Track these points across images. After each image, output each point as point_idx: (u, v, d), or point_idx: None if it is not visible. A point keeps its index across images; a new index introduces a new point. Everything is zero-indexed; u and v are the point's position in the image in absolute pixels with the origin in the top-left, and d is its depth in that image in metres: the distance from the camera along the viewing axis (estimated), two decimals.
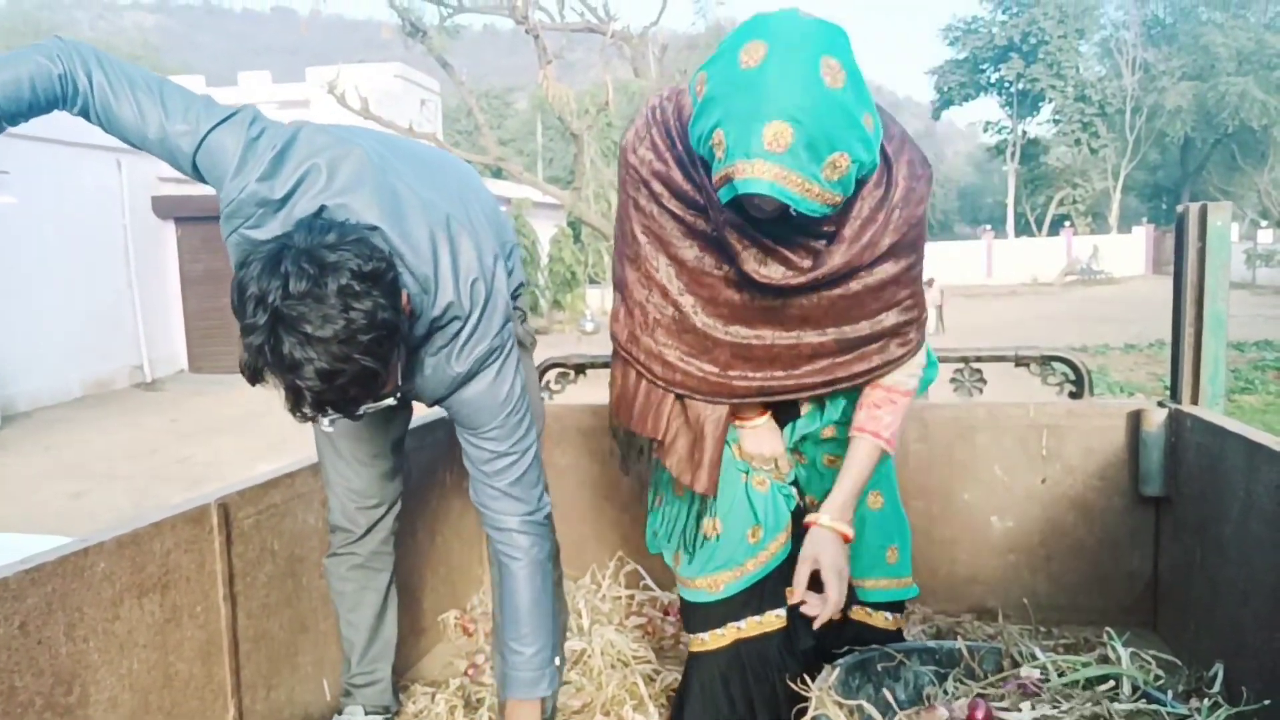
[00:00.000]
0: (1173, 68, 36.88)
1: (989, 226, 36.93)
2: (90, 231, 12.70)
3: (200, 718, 1.73)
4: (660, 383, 1.76)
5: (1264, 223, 32.50)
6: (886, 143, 1.56)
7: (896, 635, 1.98)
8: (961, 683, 1.76)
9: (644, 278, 1.73)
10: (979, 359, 2.74)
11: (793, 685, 1.72)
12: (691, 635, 1.94)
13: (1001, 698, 1.67)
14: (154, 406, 12.20)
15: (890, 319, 1.69)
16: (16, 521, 6.22)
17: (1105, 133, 38.14)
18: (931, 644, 1.87)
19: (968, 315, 19.18)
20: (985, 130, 44.13)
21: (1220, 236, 2.30)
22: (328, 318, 1.26)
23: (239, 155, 1.44)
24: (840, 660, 1.77)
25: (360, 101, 14.78)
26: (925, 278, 1.82)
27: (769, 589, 1.89)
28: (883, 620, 1.97)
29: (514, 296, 1.88)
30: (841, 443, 1.83)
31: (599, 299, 20.26)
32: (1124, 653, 1.75)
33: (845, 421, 1.82)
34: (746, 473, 1.87)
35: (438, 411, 2.09)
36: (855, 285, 1.64)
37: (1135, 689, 1.66)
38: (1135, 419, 2.46)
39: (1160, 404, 2.45)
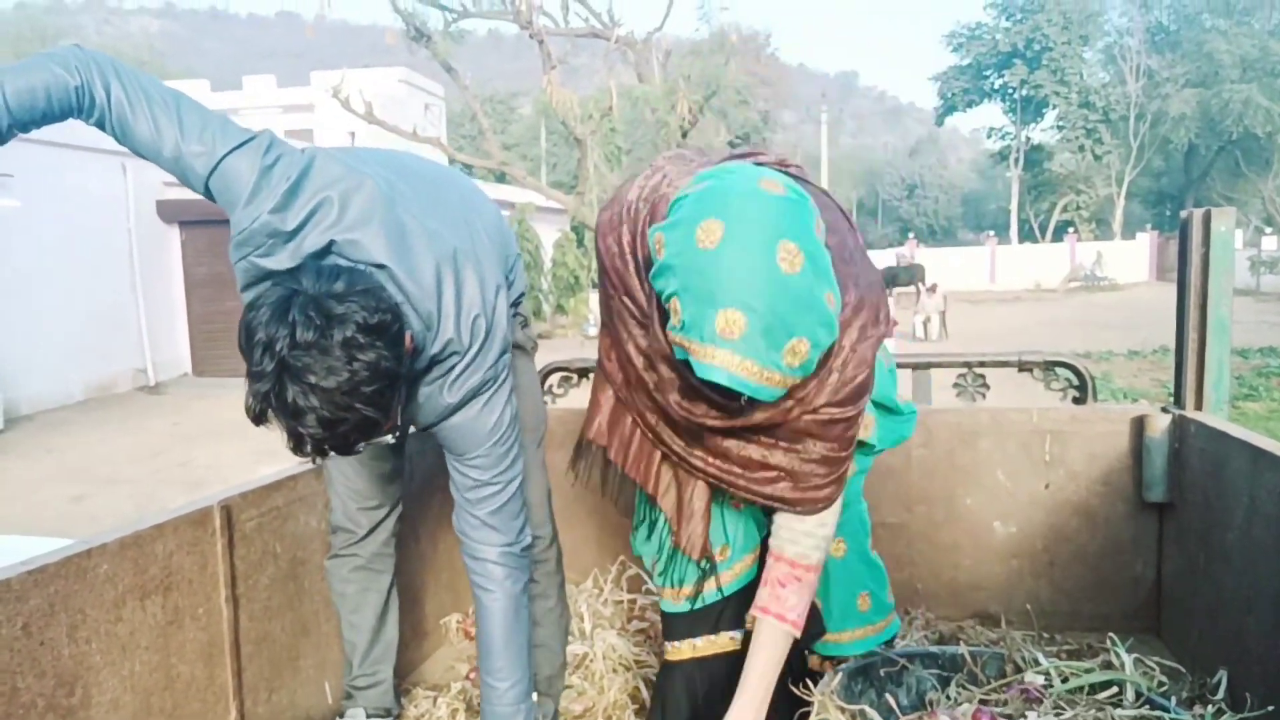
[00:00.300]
0: (1177, 74, 36.86)
1: (992, 233, 36.93)
2: (94, 235, 12.72)
3: None
4: (649, 437, 1.77)
5: (1268, 229, 32.41)
6: (846, 305, 1.49)
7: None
8: (964, 688, 1.76)
9: (617, 343, 1.75)
10: (982, 364, 2.74)
11: (795, 690, 1.71)
12: (665, 642, 1.95)
13: (1004, 703, 1.67)
14: (157, 410, 12.22)
15: (799, 463, 1.60)
16: (18, 524, 6.22)
17: (1109, 139, 38.13)
18: (934, 649, 1.87)
19: (971, 321, 19.17)
20: (989, 136, 44.23)
21: (1224, 242, 2.30)
22: (332, 369, 1.27)
23: (253, 183, 1.44)
24: (843, 665, 1.77)
25: (364, 106, 14.83)
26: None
27: (729, 610, 1.87)
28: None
29: (515, 304, 1.88)
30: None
31: None
32: (1127, 659, 1.75)
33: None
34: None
35: None
36: (782, 430, 1.59)
37: (1139, 695, 1.66)
38: (1139, 425, 2.46)
39: (1164, 410, 2.45)
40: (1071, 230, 36.23)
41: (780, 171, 1.60)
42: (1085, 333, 16.34)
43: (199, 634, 1.72)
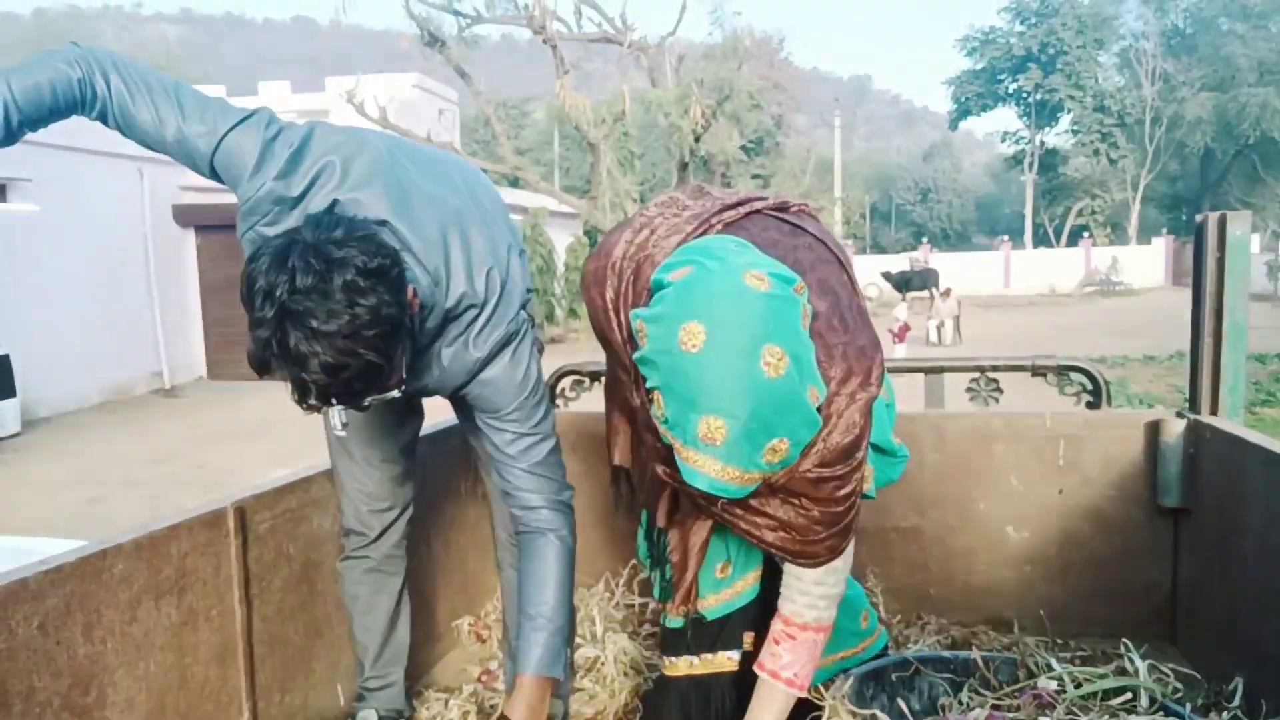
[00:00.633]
0: (1193, 78, 36.67)
1: (1006, 237, 36.72)
2: (111, 239, 12.83)
3: None
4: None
5: None
6: (830, 380, 1.42)
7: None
8: (977, 693, 1.75)
9: (615, 380, 1.75)
10: (995, 368, 2.73)
11: (806, 693, 1.71)
12: (662, 655, 1.93)
13: (1017, 709, 1.66)
14: (172, 413, 12.29)
15: (795, 516, 1.53)
16: (36, 525, 6.27)
17: (1124, 143, 37.94)
18: (947, 654, 1.86)
19: (985, 326, 19.09)
20: (1003, 141, 44.06)
21: (1239, 246, 2.29)
22: (333, 313, 1.28)
23: (257, 155, 1.48)
24: (854, 669, 1.76)
25: (379, 111, 14.91)
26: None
27: (728, 629, 1.85)
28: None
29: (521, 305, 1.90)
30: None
31: None
32: (1141, 665, 1.74)
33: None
34: None
35: (451, 419, 2.11)
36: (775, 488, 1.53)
37: (1153, 702, 1.65)
38: (1154, 429, 2.44)
39: (1179, 415, 2.43)
40: (1086, 235, 36.05)
41: (778, 219, 1.56)
42: (1100, 338, 16.25)
43: (213, 635, 1.73)
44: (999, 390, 2.73)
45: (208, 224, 13.96)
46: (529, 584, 1.75)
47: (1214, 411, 2.36)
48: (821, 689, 1.69)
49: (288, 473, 2.06)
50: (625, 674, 2.32)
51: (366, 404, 1.41)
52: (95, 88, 1.46)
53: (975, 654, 1.81)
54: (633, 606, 2.72)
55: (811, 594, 1.61)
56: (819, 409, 1.33)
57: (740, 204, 1.59)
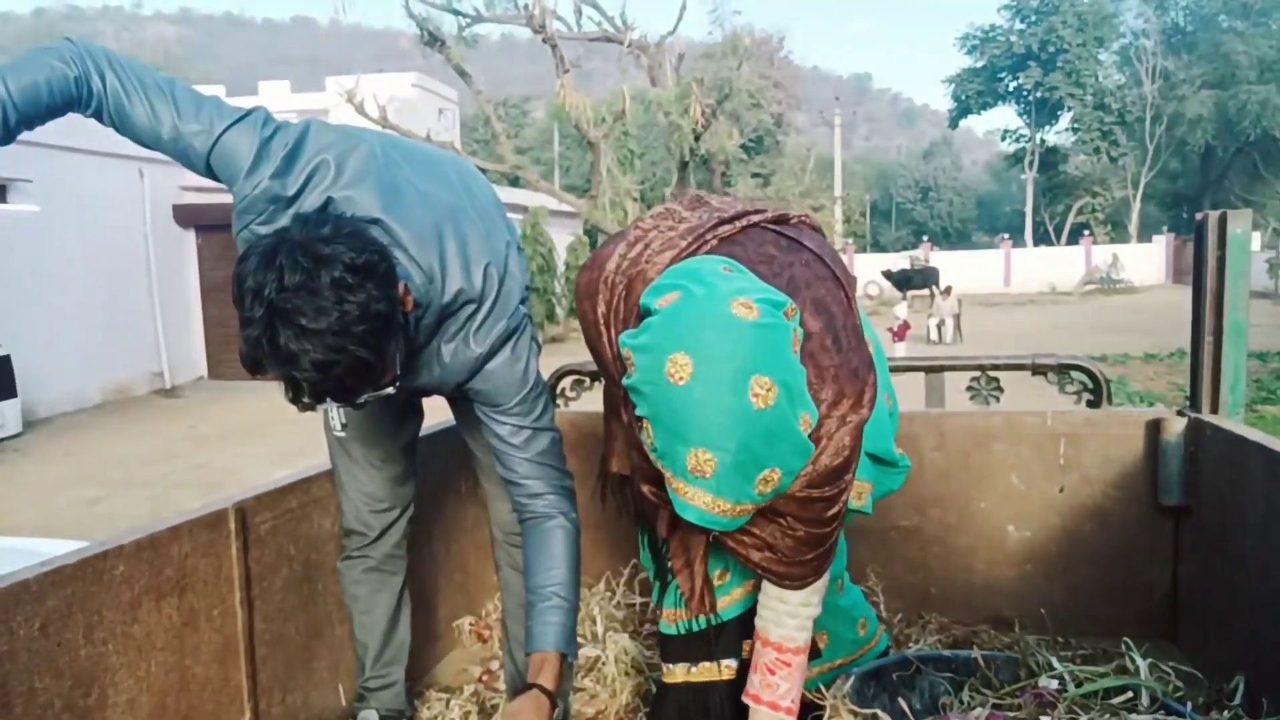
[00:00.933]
0: (1193, 76, 36.62)
1: (1007, 235, 36.71)
2: (112, 239, 12.83)
3: None
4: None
5: None
6: (821, 402, 1.42)
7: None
8: (978, 692, 1.75)
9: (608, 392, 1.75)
10: (996, 367, 2.72)
11: (807, 693, 1.71)
12: (661, 662, 1.93)
13: (1018, 708, 1.67)
14: (173, 413, 12.30)
15: (780, 536, 1.52)
16: (36, 526, 6.28)
17: (1125, 141, 37.92)
18: (947, 653, 1.87)
19: (985, 324, 19.08)
20: (1003, 139, 44.02)
21: (1240, 244, 2.29)
22: (322, 310, 1.28)
23: (253, 154, 1.48)
24: (855, 669, 1.76)
25: (379, 110, 14.90)
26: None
27: (726, 636, 1.84)
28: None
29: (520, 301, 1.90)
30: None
31: None
32: (1142, 664, 1.74)
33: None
34: None
35: (450, 419, 2.11)
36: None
37: (1154, 700, 1.65)
38: (1154, 428, 2.44)
39: (1179, 413, 2.43)
40: (1087, 233, 36.02)
41: (776, 233, 1.54)
42: (1101, 336, 16.25)
43: (214, 635, 1.73)
44: (999, 389, 2.73)
45: (208, 224, 13.95)
46: (539, 566, 1.75)
47: (1215, 410, 2.36)
48: (822, 689, 1.69)
49: (288, 473, 2.06)
50: (626, 674, 2.32)
51: (361, 401, 1.41)
52: (91, 86, 1.46)
53: (976, 653, 1.82)
54: (633, 606, 2.72)
55: (800, 616, 1.61)
56: (811, 435, 1.31)
57: (737, 218, 1.55)
